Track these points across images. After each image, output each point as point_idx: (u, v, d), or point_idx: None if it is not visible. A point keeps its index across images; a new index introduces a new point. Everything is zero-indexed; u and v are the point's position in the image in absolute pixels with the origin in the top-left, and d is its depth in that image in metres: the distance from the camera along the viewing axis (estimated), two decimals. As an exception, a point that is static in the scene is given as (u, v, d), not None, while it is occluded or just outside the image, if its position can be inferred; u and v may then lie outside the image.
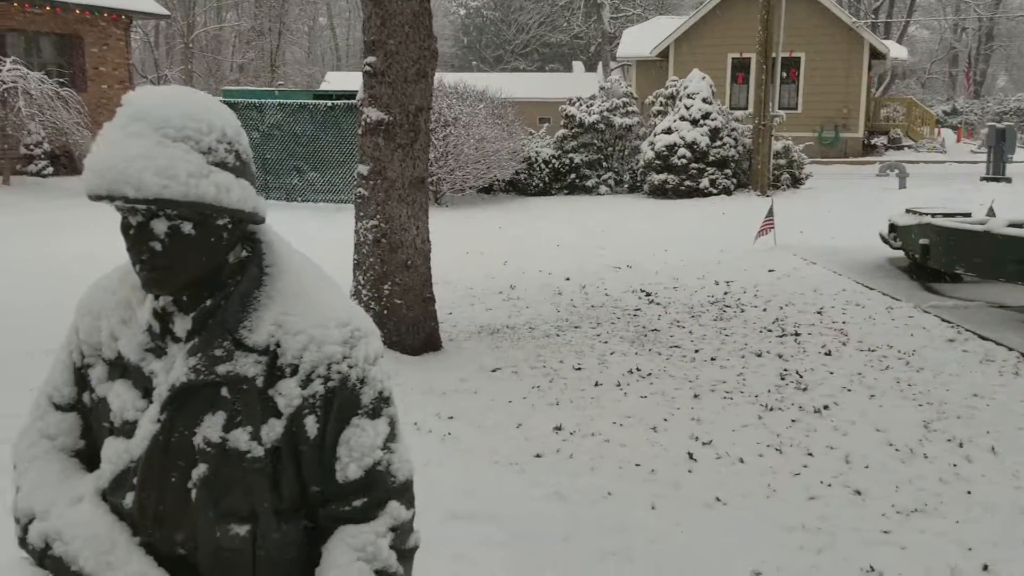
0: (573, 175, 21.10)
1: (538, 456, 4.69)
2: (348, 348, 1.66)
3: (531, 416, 5.39)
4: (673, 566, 3.40)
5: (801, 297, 9.01)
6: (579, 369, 6.50)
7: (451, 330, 7.68)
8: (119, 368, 1.70)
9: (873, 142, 31.68)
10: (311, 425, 1.64)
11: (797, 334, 7.43)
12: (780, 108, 25.26)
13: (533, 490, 4.19)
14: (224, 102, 1.54)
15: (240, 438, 1.61)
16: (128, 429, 1.66)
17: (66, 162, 24.39)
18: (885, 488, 4.17)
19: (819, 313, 8.26)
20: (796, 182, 21.11)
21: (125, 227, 1.57)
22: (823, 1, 28.41)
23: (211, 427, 1.61)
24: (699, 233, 14.15)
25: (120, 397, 1.67)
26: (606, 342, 7.32)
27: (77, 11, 23.43)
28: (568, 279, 10.24)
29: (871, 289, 9.38)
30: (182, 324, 1.64)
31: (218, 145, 1.56)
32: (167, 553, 1.66)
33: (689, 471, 4.43)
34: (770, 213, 12.23)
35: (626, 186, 21.36)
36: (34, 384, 5.96)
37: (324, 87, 37.28)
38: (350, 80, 34.88)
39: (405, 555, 1.72)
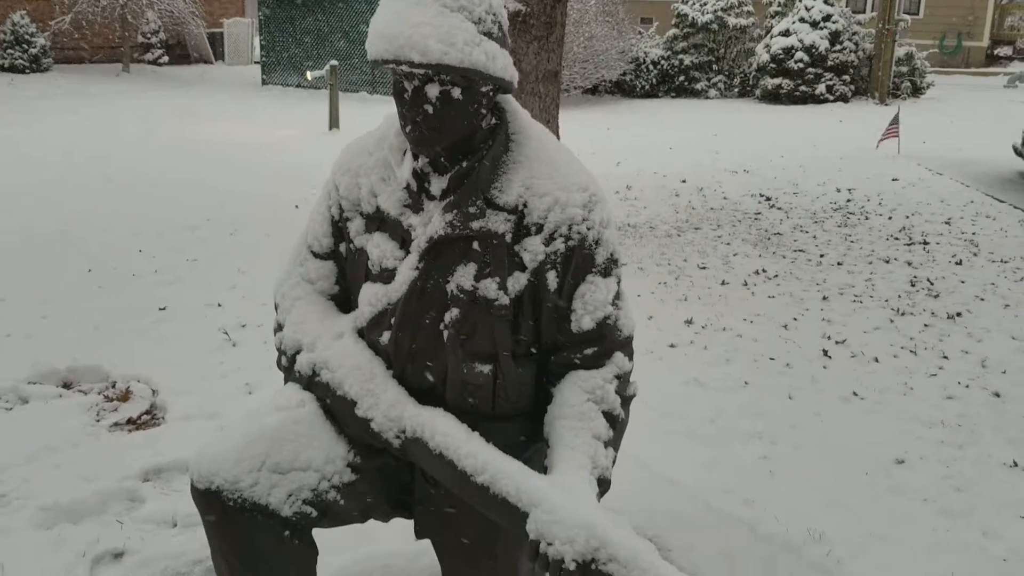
0: (682, 77, 20.63)
1: (672, 346, 4.84)
2: (587, 211, 1.81)
3: (661, 309, 5.53)
4: (816, 448, 3.54)
5: (928, 207, 8.81)
6: (704, 268, 6.58)
7: (573, 226, 7.80)
8: (377, 221, 1.89)
9: (997, 52, 29.90)
10: (551, 279, 1.81)
11: (925, 243, 7.31)
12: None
13: (672, 376, 4.36)
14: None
15: (489, 287, 1.79)
16: (386, 275, 1.86)
17: (180, 51, 24.95)
18: (1025, 393, 4.19)
19: (947, 223, 8.09)
20: (917, 91, 20.23)
21: (399, 91, 1.73)
22: None
23: (463, 276, 1.80)
24: (816, 140, 13.80)
25: (379, 247, 1.87)
26: (728, 244, 7.35)
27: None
28: (684, 181, 10.20)
29: (1002, 202, 9.10)
30: (438, 184, 1.81)
31: (486, 16, 1.70)
32: (417, 386, 1.87)
33: (824, 367, 4.53)
34: (895, 120, 11.84)
35: (736, 90, 20.81)
36: (197, 255, 6.38)
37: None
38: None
39: (626, 401, 1.90)
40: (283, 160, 10.67)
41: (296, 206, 8.01)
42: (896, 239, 7.48)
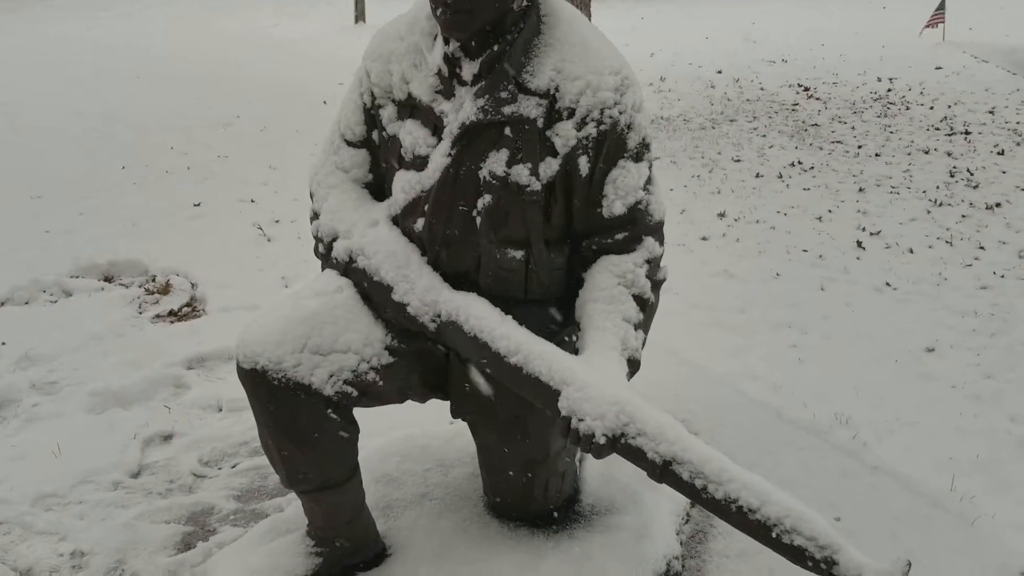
0: (720, -36, 19.88)
1: (704, 239, 4.83)
2: (619, 95, 1.80)
3: (693, 203, 5.50)
4: (846, 337, 3.56)
5: (971, 96, 8.57)
6: (738, 161, 6.50)
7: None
8: (409, 108, 1.89)
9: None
10: (583, 164, 1.82)
11: (967, 133, 7.15)
12: None
13: (703, 268, 4.37)
14: None
15: (521, 173, 1.80)
16: (419, 163, 1.87)
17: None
18: (1061, 282, 4.16)
19: (991, 113, 7.88)
20: (967, -26, 19.34)
21: (430, -27, 1.70)
22: None
23: (496, 162, 1.80)
24: (857, 27, 13.36)
25: (412, 134, 1.87)
26: (764, 135, 7.23)
27: None
28: (720, 72, 9.98)
29: (1049, 90, 8.82)
30: (469, 69, 1.80)
31: None
32: (451, 271, 1.90)
33: (857, 258, 4.51)
34: (941, 5, 11.41)
35: (777, -23, 20.05)
36: (228, 151, 6.41)
37: None
38: None
39: (656, 285, 1.93)
40: (310, 55, 10.56)
41: (324, 102, 7.98)
42: (937, 129, 7.31)
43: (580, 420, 1.65)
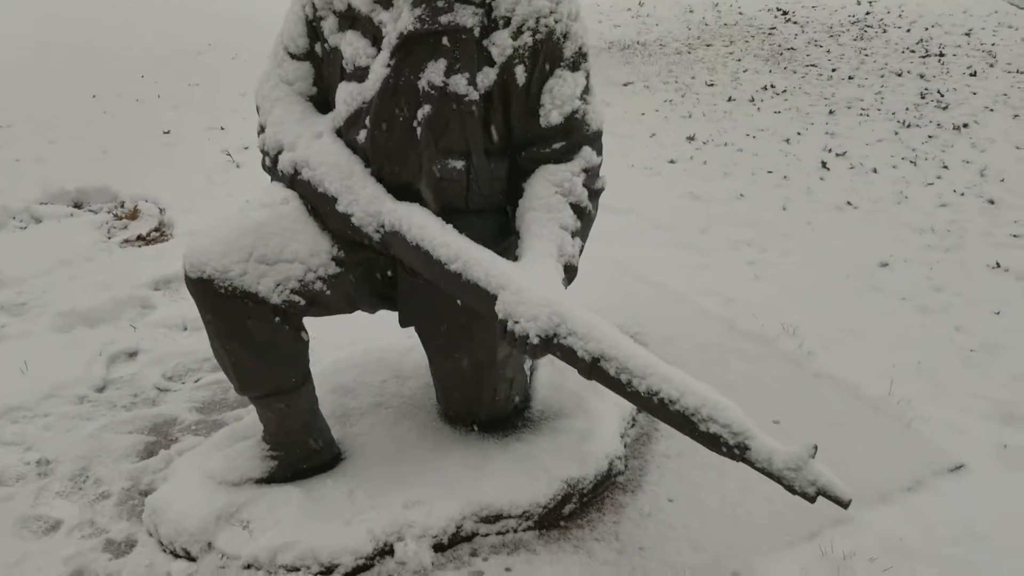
0: None
1: (672, 162, 4.87)
2: (554, 3, 1.83)
3: (664, 127, 5.52)
4: (803, 254, 3.63)
5: (949, 18, 8.53)
6: (711, 85, 6.50)
7: (581, 44, 7.66)
8: (349, 19, 1.91)
9: None
10: (520, 73, 1.85)
11: (941, 55, 7.14)
12: None
13: (668, 190, 4.42)
14: None
15: (459, 82, 1.84)
16: (360, 74, 1.90)
17: None
18: (1019, 198, 4.22)
19: (967, 35, 7.86)
20: None
21: None
22: None
23: (434, 72, 1.84)
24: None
25: (352, 45, 1.90)
26: (739, 60, 7.21)
27: None
28: (699, -4, 9.88)
29: (1028, 12, 8.78)
30: (407, -22, 1.82)
31: None
32: (393, 182, 1.95)
33: (821, 179, 4.56)
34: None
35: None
36: (199, 79, 6.37)
37: None
38: None
39: (594, 194, 1.98)
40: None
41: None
42: (912, 52, 7.30)
43: (515, 322, 1.72)
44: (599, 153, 1.97)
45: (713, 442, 1.61)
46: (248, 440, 2.21)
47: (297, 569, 1.95)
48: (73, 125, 5.31)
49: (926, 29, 8.10)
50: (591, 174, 1.95)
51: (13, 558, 1.99)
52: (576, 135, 1.91)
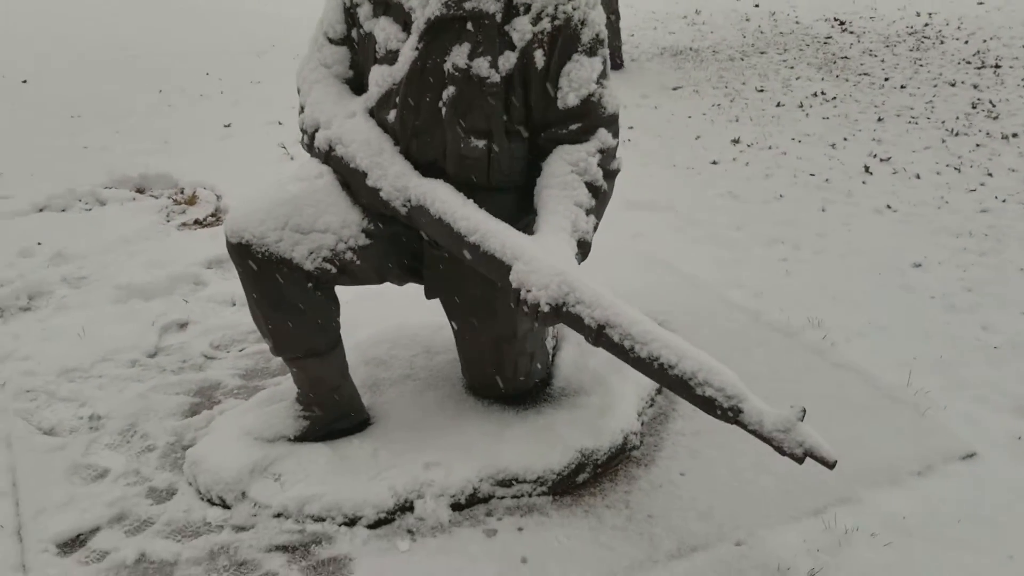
0: None
1: (714, 163, 4.93)
2: (573, -9, 1.94)
3: (709, 130, 5.58)
4: (837, 252, 3.67)
5: (1008, 31, 8.41)
6: (761, 91, 6.53)
7: (633, 51, 7.75)
8: (383, 6, 2.05)
9: None
10: (539, 57, 1.97)
11: (997, 66, 7.06)
12: None
13: (708, 190, 4.48)
14: None
15: (481, 65, 1.96)
16: (391, 57, 2.03)
17: None
18: (1063, 207, 4.19)
19: (1027, 47, 7.75)
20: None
21: None
22: None
23: (458, 55, 1.96)
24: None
25: (384, 30, 2.04)
26: (792, 67, 7.23)
27: None
28: (757, 5, 9.89)
29: (1093, 24, 8.61)
30: (435, -33, 1.95)
31: None
32: (420, 159, 2.08)
33: (863, 183, 4.58)
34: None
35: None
36: (260, 77, 6.61)
37: None
38: None
39: (609, 174, 2.08)
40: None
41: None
42: (968, 63, 7.23)
43: (528, 291, 1.83)
44: (615, 135, 2.07)
45: (708, 405, 1.70)
46: (284, 401, 2.36)
47: (323, 519, 2.08)
48: (139, 117, 5.59)
49: (984, 41, 8.01)
50: (607, 155, 2.05)
51: (63, 500, 2.16)
52: (592, 117, 2.02)
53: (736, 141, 5.29)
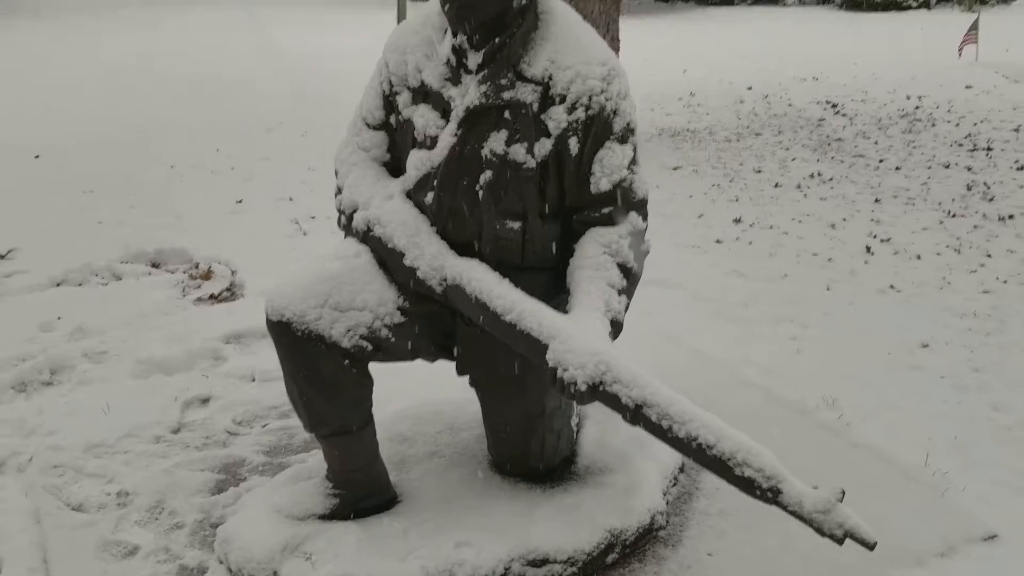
0: (759, -16, 20.08)
1: (718, 242, 5.03)
2: (606, 84, 2.04)
3: (711, 209, 5.70)
4: (845, 331, 3.74)
5: (998, 114, 8.66)
6: (759, 172, 6.68)
7: (633, 131, 7.93)
8: (422, 94, 2.14)
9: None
10: (573, 145, 2.05)
11: (989, 149, 7.26)
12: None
13: (714, 268, 4.57)
14: None
15: (518, 152, 2.04)
16: (430, 142, 2.12)
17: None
18: (1063, 288, 4.29)
19: (1016, 131, 7.97)
20: (1007, -3, 19.36)
21: (440, -28, 1.95)
22: None
23: (496, 142, 2.05)
24: (894, 47, 13.47)
25: (424, 117, 2.12)
26: (787, 149, 7.41)
27: None
28: (750, 88, 10.16)
29: (1078, 110, 8.87)
30: (474, 59, 2.05)
31: None
32: (456, 240, 2.14)
33: (865, 262, 4.67)
34: (974, 26, 11.49)
35: (815, -3, 20.20)
36: (270, 154, 6.74)
37: None
38: None
39: (640, 256, 2.15)
40: (351, 67, 10.92)
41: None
42: (960, 145, 7.43)
43: (564, 370, 1.87)
44: (644, 218, 2.15)
45: (748, 485, 1.73)
46: (313, 479, 2.37)
47: (354, 599, 2.08)
48: (152, 192, 5.67)
49: (975, 124, 8.23)
50: (637, 237, 2.12)
51: (94, 577, 2.15)
52: (624, 201, 2.09)
53: (738, 220, 5.40)
